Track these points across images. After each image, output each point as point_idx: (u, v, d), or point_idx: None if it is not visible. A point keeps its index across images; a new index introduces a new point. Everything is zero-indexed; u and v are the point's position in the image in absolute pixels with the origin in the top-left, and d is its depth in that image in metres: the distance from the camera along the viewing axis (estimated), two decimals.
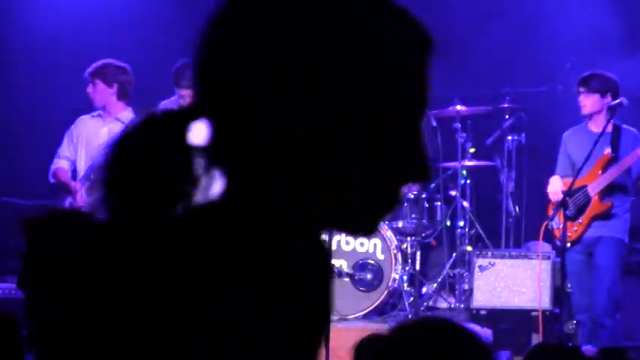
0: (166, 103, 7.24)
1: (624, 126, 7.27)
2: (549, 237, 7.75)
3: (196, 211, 1.23)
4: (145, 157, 1.27)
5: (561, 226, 7.01)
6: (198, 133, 1.25)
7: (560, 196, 7.08)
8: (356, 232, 1.33)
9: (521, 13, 9.10)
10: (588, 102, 7.03)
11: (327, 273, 1.38)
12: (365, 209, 1.27)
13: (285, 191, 1.25)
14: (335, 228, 1.32)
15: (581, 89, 6.99)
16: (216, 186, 1.28)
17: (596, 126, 6.94)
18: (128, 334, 1.22)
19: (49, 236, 2.93)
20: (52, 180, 7.05)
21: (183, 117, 1.26)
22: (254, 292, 1.20)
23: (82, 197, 6.79)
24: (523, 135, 8.71)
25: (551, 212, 7.10)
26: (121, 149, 1.28)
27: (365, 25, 1.23)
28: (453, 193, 8.84)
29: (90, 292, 1.24)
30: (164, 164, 1.25)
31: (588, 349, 6.53)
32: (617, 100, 6.90)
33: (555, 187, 7.16)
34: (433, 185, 8.86)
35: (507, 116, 8.79)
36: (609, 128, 7.16)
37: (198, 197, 1.25)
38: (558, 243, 7.31)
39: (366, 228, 1.29)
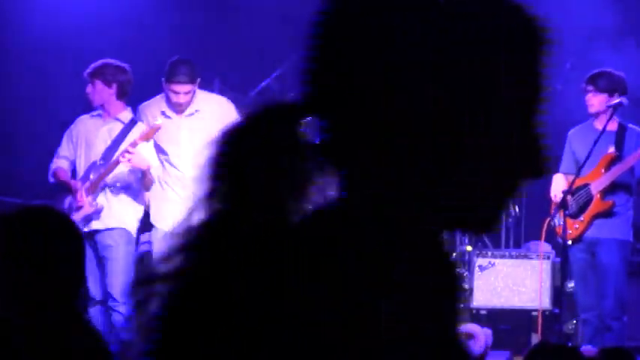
0: (150, 103, 7.19)
1: (630, 125, 7.23)
2: (549, 236, 7.72)
3: (312, 213, 1.21)
4: (255, 155, 1.23)
5: (562, 224, 7.04)
6: (311, 130, 1.24)
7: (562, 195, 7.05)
8: (477, 231, 1.32)
9: None
10: (595, 101, 7.00)
11: (454, 280, 1.35)
12: (486, 206, 1.26)
13: (406, 191, 1.23)
14: (456, 227, 1.30)
15: (589, 87, 6.95)
16: (330, 186, 1.26)
17: (602, 124, 6.95)
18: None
19: (21, 232, 2.78)
20: (51, 180, 7.09)
21: (294, 113, 1.24)
22: (387, 299, 1.18)
23: (81, 196, 6.83)
24: None
25: (553, 210, 7.12)
26: (229, 148, 1.25)
27: (480, 21, 1.23)
28: None
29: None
30: (275, 164, 1.23)
31: (588, 349, 6.54)
32: (617, 100, 6.89)
33: (558, 185, 7.13)
34: None
35: None
36: (614, 127, 7.12)
37: (313, 199, 1.24)
38: (560, 241, 7.31)
39: (487, 226, 1.26)
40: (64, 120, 7.45)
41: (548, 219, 7.31)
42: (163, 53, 8.39)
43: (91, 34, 8.90)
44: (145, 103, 7.22)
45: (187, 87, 6.96)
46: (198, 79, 7.06)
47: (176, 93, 6.87)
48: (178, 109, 7.08)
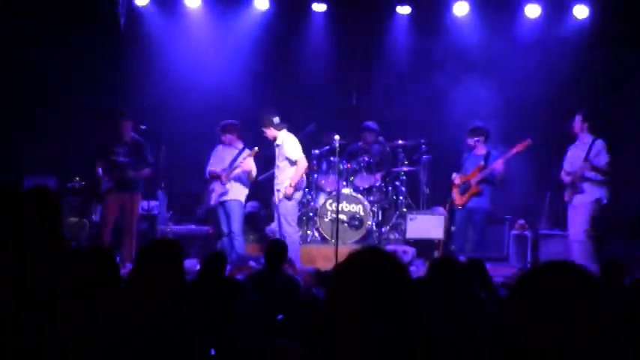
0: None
1: (492, 151, 9.95)
2: (445, 203, 10.37)
3: None
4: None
5: (455, 197, 9.92)
6: None
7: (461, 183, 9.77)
8: None
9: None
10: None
11: None
12: None
13: None
14: None
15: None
16: None
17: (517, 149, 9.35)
18: None
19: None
20: (207, 176, 10.23)
21: None
22: None
23: (224, 179, 10.03)
24: (430, 155, 11.64)
25: (455, 188, 9.97)
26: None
27: None
28: (397, 183, 11.68)
29: None
30: None
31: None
32: (476, 138, 10.03)
33: (457, 178, 9.90)
34: (388, 179, 11.59)
35: (424, 147, 11.71)
36: (484, 151, 9.81)
37: None
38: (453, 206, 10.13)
39: None
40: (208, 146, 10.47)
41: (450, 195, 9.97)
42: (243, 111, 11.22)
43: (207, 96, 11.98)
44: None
45: (264, 129, 9.83)
46: (270, 127, 9.66)
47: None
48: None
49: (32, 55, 11.87)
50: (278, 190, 10.09)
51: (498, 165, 10.09)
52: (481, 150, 10.15)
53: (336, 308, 2.14)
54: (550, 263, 2.27)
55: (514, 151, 10.06)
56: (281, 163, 9.97)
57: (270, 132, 10.01)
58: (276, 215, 10.04)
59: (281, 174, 9.95)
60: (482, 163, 10.07)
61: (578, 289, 2.10)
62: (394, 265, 2.35)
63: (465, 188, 10.05)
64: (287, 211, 9.93)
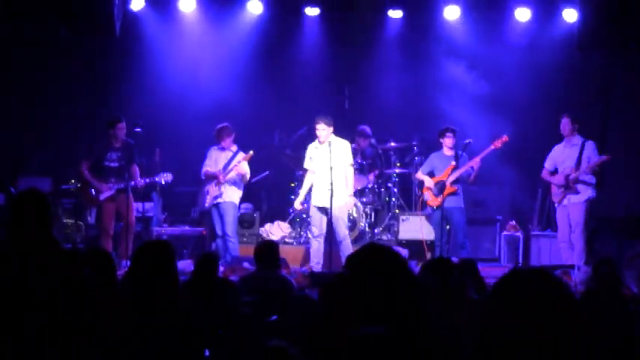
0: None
1: (460, 152, 10.20)
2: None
3: None
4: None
5: (429, 199, 10.33)
6: None
7: (432, 185, 10.14)
8: None
9: None
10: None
11: None
12: None
13: None
14: None
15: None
16: None
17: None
18: None
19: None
20: (202, 176, 10.53)
21: None
22: None
23: (220, 180, 10.32)
24: (422, 157, 11.54)
25: (425, 192, 10.43)
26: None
27: None
28: (390, 184, 11.93)
29: None
30: None
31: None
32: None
33: (428, 180, 10.30)
34: (380, 181, 11.82)
35: (416, 148, 12.04)
36: (452, 153, 10.12)
37: None
38: (428, 208, 10.51)
39: None
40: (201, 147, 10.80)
41: (422, 197, 10.39)
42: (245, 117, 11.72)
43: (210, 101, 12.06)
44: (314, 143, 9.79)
45: (321, 125, 9.83)
46: (331, 126, 9.64)
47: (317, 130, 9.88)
48: (320, 141, 9.86)
49: (32, 55, 12.02)
50: (330, 191, 9.98)
51: (475, 163, 10.29)
52: (449, 151, 10.41)
53: (337, 308, 2.11)
54: (523, 270, 2.30)
55: (492, 147, 10.28)
56: (335, 165, 9.94)
57: (327, 132, 10.00)
58: (323, 217, 10.15)
59: (332, 175, 9.90)
60: (453, 162, 10.26)
61: (551, 290, 2.14)
62: (399, 263, 2.35)
63: (439, 189, 10.22)
64: (343, 213, 10.06)
